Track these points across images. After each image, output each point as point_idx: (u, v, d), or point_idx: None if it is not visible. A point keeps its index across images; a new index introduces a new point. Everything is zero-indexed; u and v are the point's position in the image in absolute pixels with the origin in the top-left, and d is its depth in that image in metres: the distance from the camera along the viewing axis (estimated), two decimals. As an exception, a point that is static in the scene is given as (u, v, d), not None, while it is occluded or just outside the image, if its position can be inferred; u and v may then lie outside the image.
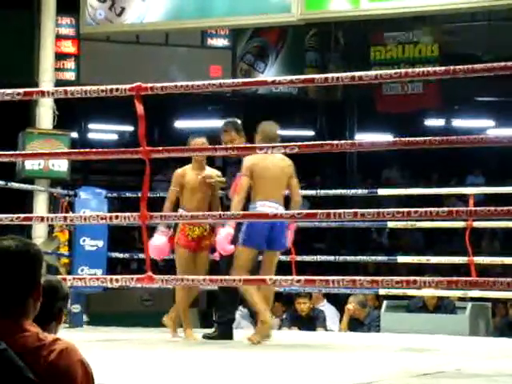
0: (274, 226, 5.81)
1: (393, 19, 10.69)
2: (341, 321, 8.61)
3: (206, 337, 6.27)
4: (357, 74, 4.41)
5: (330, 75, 4.48)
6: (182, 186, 6.43)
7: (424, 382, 4.08)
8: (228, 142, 6.14)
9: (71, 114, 13.36)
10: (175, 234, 6.35)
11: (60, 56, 12.06)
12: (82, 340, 4.93)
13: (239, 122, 6.43)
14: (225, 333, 6.19)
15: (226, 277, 4.81)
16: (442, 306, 8.12)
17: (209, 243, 6.39)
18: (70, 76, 12.92)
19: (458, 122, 16.25)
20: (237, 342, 6.11)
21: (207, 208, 6.27)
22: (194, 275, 5.64)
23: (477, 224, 7.38)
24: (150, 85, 4.59)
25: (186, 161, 6.72)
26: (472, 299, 8.12)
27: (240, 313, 9.53)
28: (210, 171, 6.57)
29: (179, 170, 6.59)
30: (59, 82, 9.81)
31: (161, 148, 4.78)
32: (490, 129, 15.89)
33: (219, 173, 6.62)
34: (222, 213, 5.63)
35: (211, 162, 6.52)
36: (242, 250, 5.85)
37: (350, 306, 8.20)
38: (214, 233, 6.30)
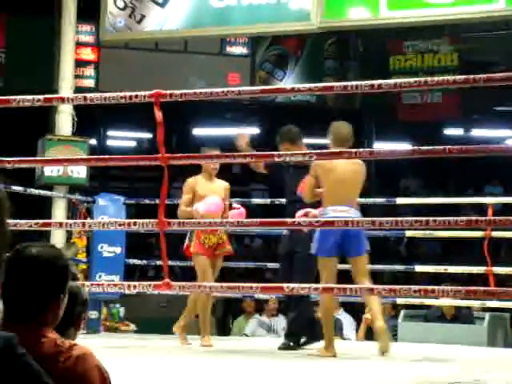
0: (346, 232, 5.50)
1: (412, 28, 10.68)
2: (357, 330, 8.58)
3: (304, 343, 6.14)
4: (376, 82, 4.40)
5: (349, 83, 4.48)
6: (194, 194, 6.45)
7: (441, 392, 4.05)
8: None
9: (90, 121, 13.43)
10: (190, 242, 6.37)
11: (80, 63, 12.13)
12: (98, 346, 4.94)
13: (294, 129, 6.27)
14: (313, 335, 6.09)
15: (244, 284, 4.80)
16: (460, 316, 8.07)
17: (225, 251, 6.40)
18: (90, 83, 12.99)
19: (476, 132, 16.20)
20: (254, 351, 6.11)
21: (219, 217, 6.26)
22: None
23: (495, 234, 7.34)
24: (169, 92, 4.61)
25: (201, 168, 6.74)
26: (490, 309, 8.07)
27: (257, 320, 9.53)
28: (220, 183, 6.61)
29: (191, 179, 6.62)
30: (78, 89, 9.87)
31: (179, 155, 4.79)
32: (508, 139, 15.82)
33: (228, 185, 6.65)
34: (240, 220, 5.63)
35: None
36: (325, 261, 5.60)
37: (368, 315, 8.17)
38: (229, 241, 6.35)
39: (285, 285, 4.58)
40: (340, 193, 5.55)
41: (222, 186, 6.58)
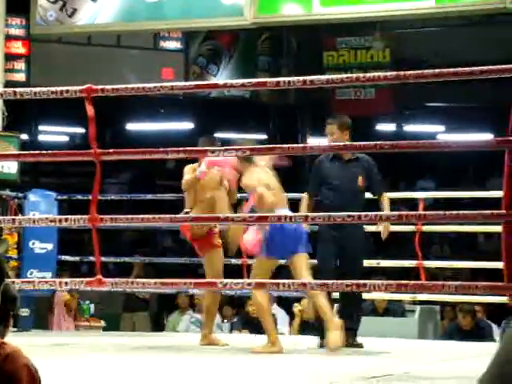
0: (297, 230, 5.69)
1: (345, 24, 10.76)
2: (291, 324, 8.64)
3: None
4: (308, 78, 4.43)
5: (281, 79, 4.50)
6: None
7: (373, 385, 4.10)
8: (328, 135, 6.00)
9: (21, 115, 13.22)
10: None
11: (10, 57, 11.92)
12: (30, 344, 4.87)
13: (348, 119, 6.13)
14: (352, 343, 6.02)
15: (177, 280, 4.78)
16: (392, 309, 8.18)
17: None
18: (20, 77, 12.76)
19: (408, 127, 16.42)
20: (188, 347, 6.10)
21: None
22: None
23: (426, 228, 7.45)
24: (100, 87, 4.56)
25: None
26: (421, 303, 8.20)
27: (189, 317, 9.51)
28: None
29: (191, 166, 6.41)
30: (9, 83, 9.70)
31: (111, 150, 4.75)
32: (440, 134, 16.08)
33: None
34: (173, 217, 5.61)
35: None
36: (262, 262, 5.71)
37: (299, 307, 8.25)
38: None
39: (218, 280, 4.58)
40: (279, 197, 5.76)
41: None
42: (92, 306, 9.08)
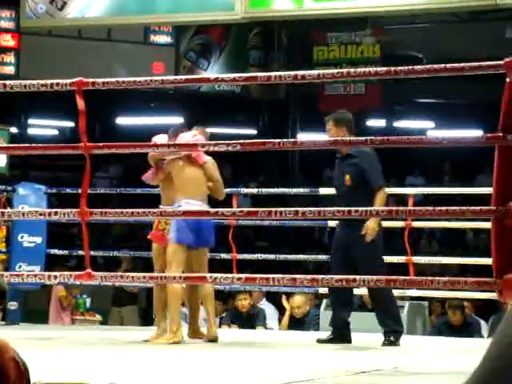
0: (201, 223, 5.88)
1: (336, 19, 10.77)
2: (280, 320, 8.64)
3: (322, 341, 6.05)
4: (299, 73, 4.43)
5: (272, 74, 4.49)
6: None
7: (361, 380, 4.11)
8: (327, 132, 5.99)
9: (10, 108, 13.19)
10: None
11: (0, 49, 11.89)
12: (18, 338, 4.86)
13: (344, 113, 6.08)
14: (341, 335, 6.03)
15: (168, 274, 4.78)
16: (381, 305, 8.18)
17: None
18: (10, 70, 12.73)
19: (398, 123, 16.44)
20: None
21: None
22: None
23: (416, 224, 7.47)
24: (91, 80, 4.55)
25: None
26: (410, 298, 8.21)
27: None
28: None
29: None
30: (-2, 76, 9.68)
31: (101, 144, 4.73)
32: (429, 130, 16.11)
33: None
34: (168, 209, 5.60)
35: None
36: (175, 248, 5.89)
37: (286, 303, 8.26)
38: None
39: (208, 275, 4.58)
40: (191, 188, 5.93)
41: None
42: (88, 301, 9.07)
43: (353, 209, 4.37)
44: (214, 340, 5.98)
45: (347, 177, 5.97)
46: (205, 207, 5.86)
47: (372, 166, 5.92)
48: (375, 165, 5.93)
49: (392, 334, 6.02)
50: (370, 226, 5.73)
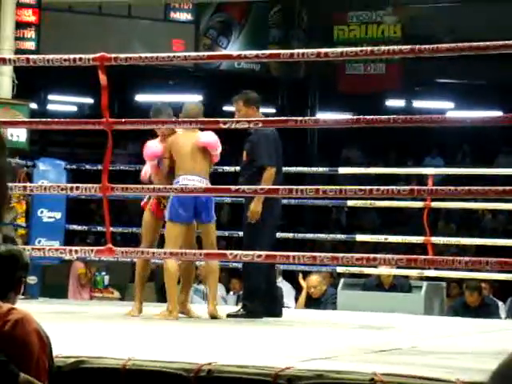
0: (199, 199, 5.90)
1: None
2: (297, 298, 8.65)
3: (232, 315, 6.11)
4: (322, 50, 4.40)
5: (295, 51, 4.47)
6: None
7: (380, 359, 4.11)
8: (236, 112, 6.14)
9: (31, 84, 13.20)
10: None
11: (20, 25, 11.88)
12: (37, 311, 4.89)
13: (251, 93, 6.25)
14: (253, 312, 6.08)
15: (188, 251, 4.79)
16: (398, 285, 8.19)
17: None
18: (30, 46, 12.72)
19: (418, 104, 16.36)
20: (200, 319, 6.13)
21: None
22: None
23: (434, 204, 7.44)
24: (114, 55, 4.54)
25: (143, 134, 6.66)
26: (428, 279, 8.21)
27: (193, 288, 9.54)
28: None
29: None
30: (19, 51, 9.67)
31: (123, 120, 4.74)
32: (449, 111, 16.02)
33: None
34: (186, 187, 5.61)
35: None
36: (171, 226, 5.93)
37: (302, 281, 8.28)
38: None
39: (228, 252, 4.59)
40: (186, 164, 5.96)
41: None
42: (107, 278, 9.12)
43: (374, 187, 4.37)
44: (214, 318, 6.00)
45: (244, 153, 6.23)
46: (205, 183, 5.90)
47: (259, 144, 6.09)
48: (264, 144, 6.09)
49: (244, 308, 6.16)
50: (253, 209, 5.95)
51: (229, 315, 6.09)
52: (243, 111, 6.08)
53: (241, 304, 6.39)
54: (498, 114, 13.39)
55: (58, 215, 7.93)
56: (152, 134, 6.50)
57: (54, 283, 9.31)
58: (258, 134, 6.08)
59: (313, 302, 8.22)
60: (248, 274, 6.15)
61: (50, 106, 16.15)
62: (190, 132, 5.98)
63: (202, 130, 6.01)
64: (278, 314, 6.25)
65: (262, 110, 6.43)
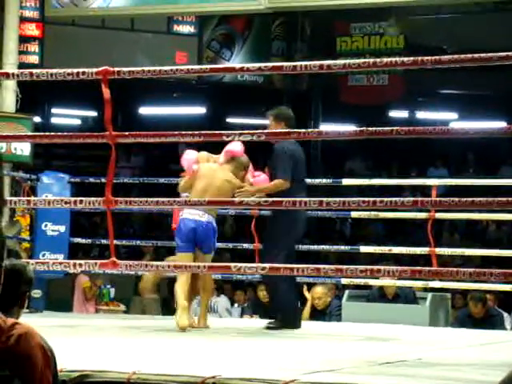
0: (198, 234, 5.91)
1: (359, 10, 10.72)
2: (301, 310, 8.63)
3: (269, 327, 6.09)
4: (325, 62, 4.41)
5: (298, 63, 4.48)
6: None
7: (386, 371, 4.10)
8: (268, 126, 6.17)
9: (34, 98, 13.23)
10: None
11: (24, 39, 11.93)
12: (42, 325, 4.88)
13: (283, 109, 6.31)
14: (288, 322, 6.07)
15: (192, 263, 4.78)
16: (402, 295, 8.18)
17: None
18: (34, 59, 12.78)
19: (421, 115, 16.36)
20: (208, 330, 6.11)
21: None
22: None
23: (439, 215, 7.43)
24: (117, 69, 4.55)
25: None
26: (432, 290, 8.19)
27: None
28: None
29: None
30: (22, 65, 9.71)
31: (127, 133, 4.74)
32: (452, 121, 16.01)
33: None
34: (187, 199, 5.61)
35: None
36: (178, 256, 5.95)
37: (307, 294, 8.27)
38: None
39: (232, 264, 4.59)
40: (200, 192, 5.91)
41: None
42: (112, 291, 9.12)
43: (378, 199, 4.36)
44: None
45: (266, 168, 6.29)
46: (206, 217, 5.89)
47: (276, 158, 6.09)
48: (279, 158, 6.08)
49: (275, 322, 6.14)
50: (252, 190, 5.97)
51: (268, 327, 6.07)
52: (272, 126, 6.08)
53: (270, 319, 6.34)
54: (502, 124, 13.39)
55: (62, 228, 7.93)
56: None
57: (59, 297, 9.31)
58: (277, 149, 6.08)
59: (317, 314, 8.20)
60: (274, 285, 6.12)
61: (53, 120, 16.18)
62: (220, 167, 6.05)
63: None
64: (299, 326, 6.20)
65: (265, 121, 6.45)
